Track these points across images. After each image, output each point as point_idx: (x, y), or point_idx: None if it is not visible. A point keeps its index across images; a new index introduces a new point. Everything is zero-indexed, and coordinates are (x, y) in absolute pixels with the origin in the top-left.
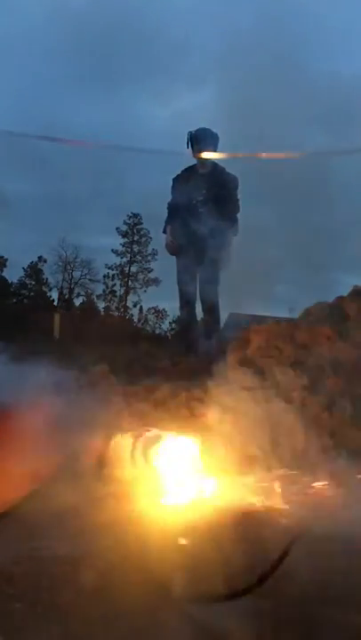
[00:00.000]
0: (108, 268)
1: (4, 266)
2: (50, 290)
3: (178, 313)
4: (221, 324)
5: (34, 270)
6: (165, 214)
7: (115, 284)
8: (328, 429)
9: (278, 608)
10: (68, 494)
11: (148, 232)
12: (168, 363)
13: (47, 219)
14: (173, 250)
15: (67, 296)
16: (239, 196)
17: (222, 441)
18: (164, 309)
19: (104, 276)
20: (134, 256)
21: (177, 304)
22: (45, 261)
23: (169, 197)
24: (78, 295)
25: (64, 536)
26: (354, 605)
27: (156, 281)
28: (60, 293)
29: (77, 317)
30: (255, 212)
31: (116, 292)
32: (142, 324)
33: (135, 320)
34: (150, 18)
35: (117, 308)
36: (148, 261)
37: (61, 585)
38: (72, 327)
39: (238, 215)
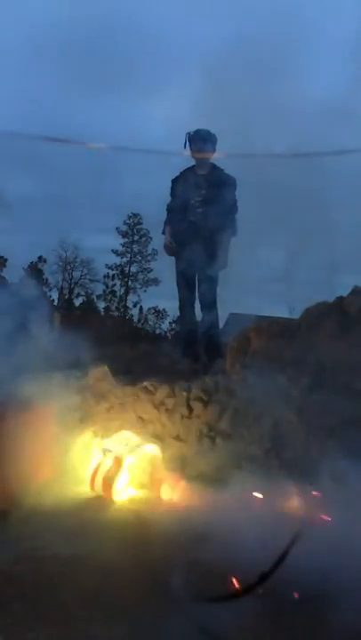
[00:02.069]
0: (108, 268)
1: (4, 266)
2: (50, 290)
3: (178, 313)
4: (221, 324)
5: (34, 270)
6: (164, 215)
7: (115, 284)
8: (328, 429)
9: (278, 608)
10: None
11: (148, 232)
12: (168, 363)
13: (47, 219)
14: (171, 251)
15: (67, 296)
16: (237, 197)
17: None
18: (164, 309)
19: (104, 276)
20: (134, 256)
21: (177, 304)
22: (45, 261)
23: (168, 198)
24: (78, 295)
25: (64, 536)
26: (354, 605)
27: (156, 281)
28: (60, 293)
29: (77, 317)
30: (255, 212)
31: (116, 292)
32: (142, 324)
33: (135, 320)
34: (148, 19)
35: (117, 308)
36: (148, 261)
37: (61, 585)
38: (72, 327)
39: (237, 216)
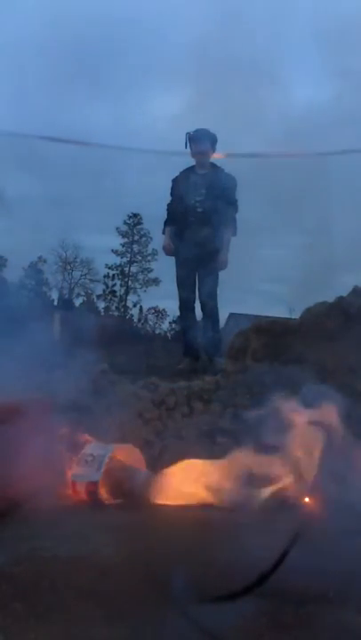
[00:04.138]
0: (108, 268)
1: (4, 266)
2: (50, 290)
3: (178, 313)
4: (221, 324)
5: (34, 270)
6: (165, 215)
7: (115, 284)
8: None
9: (278, 608)
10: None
11: (148, 232)
12: (168, 363)
13: (47, 219)
14: (170, 252)
15: (67, 296)
16: (237, 197)
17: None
18: (164, 309)
19: (104, 276)
20: (134, 256)
21: (177, 304)
22: (45, 261)
23: (168, 198)
24: (78, 295)
25: (64, 536)
26: (354, 605)
27: (156, 281)
28: (60, 293)
29: (77, 317)
30: (255, 212)
31: (116, 292)
32: (142, 323)
33: (135, 320)
34: (147, 20)
35: (117, 308)
36: (148, 261)
37: (61, 585)
38: (72, 327)
39: (237, 215)
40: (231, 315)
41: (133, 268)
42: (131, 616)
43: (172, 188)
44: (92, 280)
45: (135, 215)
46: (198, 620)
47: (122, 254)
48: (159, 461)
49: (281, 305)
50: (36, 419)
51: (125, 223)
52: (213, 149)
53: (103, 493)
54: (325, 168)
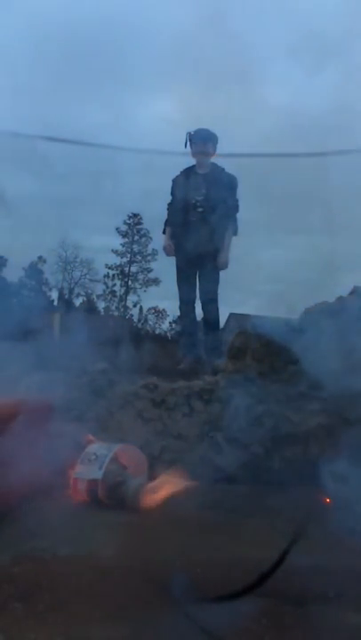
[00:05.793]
0: (108, 268)
1: (4, 266)
2: (50, 290)
3: (178, 313)
4: (222, 325)
5: (34, 270)
6: (165, 215)
7: (115, 284)
8: (328, 429)
9: (278, 608)
10: None
11: (148, 232)
12: (168, 363)
13: (47, 219)
14: (170, 252)
15: (67, 296)
16: (238, 196)
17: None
18: (164, 309)
19: (104, 276)
20: (134, 256)
21: (177, 304)
22: (45, 261)
23: (169, 198)
24: (78, 295)
25: (64, 536)
26: (354, 605)
27: (156, 281)
28: (60, 293)
29: (77, 317)
30: (255, 212)
31: (116, 292)
32: (142, 324)
33: (135, 320)
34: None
35: (117, 308)
36: (148, 261)
37: (61, 585)
38: (72, 327)
39: (238, 215)
40: (231, 315)
41: (133, 268)
42: (131, 616)
43: (172, 188)
44: (92, 280)
45: (135, 215)
46: (198, 619)
47: (122, 254)
48: (159, 461)
49: (281, 305)
50: (36, 419)
51: (125, 223)
52: (214, 149)
53: (102, 493)
54: (325, 168)
